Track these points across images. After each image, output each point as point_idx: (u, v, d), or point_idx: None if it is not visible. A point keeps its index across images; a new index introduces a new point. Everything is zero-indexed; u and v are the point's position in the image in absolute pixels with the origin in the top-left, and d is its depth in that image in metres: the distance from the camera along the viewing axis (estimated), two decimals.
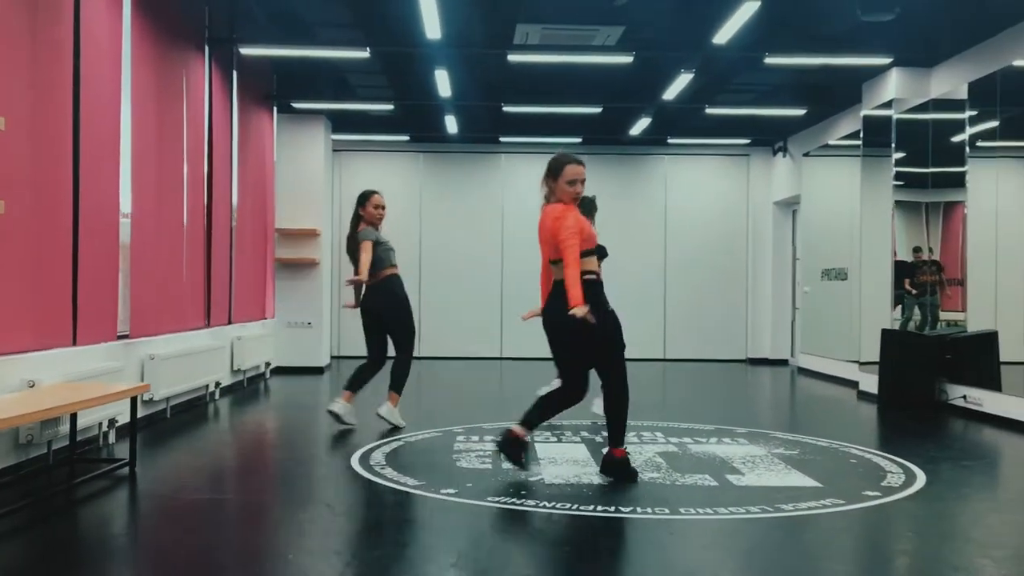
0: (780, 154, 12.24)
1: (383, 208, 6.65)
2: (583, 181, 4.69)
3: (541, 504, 4.12)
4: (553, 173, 4.72)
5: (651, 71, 9.05)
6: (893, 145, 8.37)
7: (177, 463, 5.38)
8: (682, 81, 8.77)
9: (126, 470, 4.76)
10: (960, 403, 7.46)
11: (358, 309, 6.49)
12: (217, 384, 7.74)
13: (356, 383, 6.39)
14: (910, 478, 4.79)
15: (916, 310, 8.53)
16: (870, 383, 8.39)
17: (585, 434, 6.08)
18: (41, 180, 4.88)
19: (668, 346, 12.69)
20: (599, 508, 4.06)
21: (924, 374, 7.77)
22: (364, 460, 5.10)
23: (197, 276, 7.57)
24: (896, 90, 8.24)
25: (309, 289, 10.55)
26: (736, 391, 9.54)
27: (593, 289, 4.54)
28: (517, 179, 12.59)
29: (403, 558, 3.39)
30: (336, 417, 6.25)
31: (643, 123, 10.97)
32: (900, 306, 8.51)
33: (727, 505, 4.15)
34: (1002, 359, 7.30)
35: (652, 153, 12.73)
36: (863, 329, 8.84)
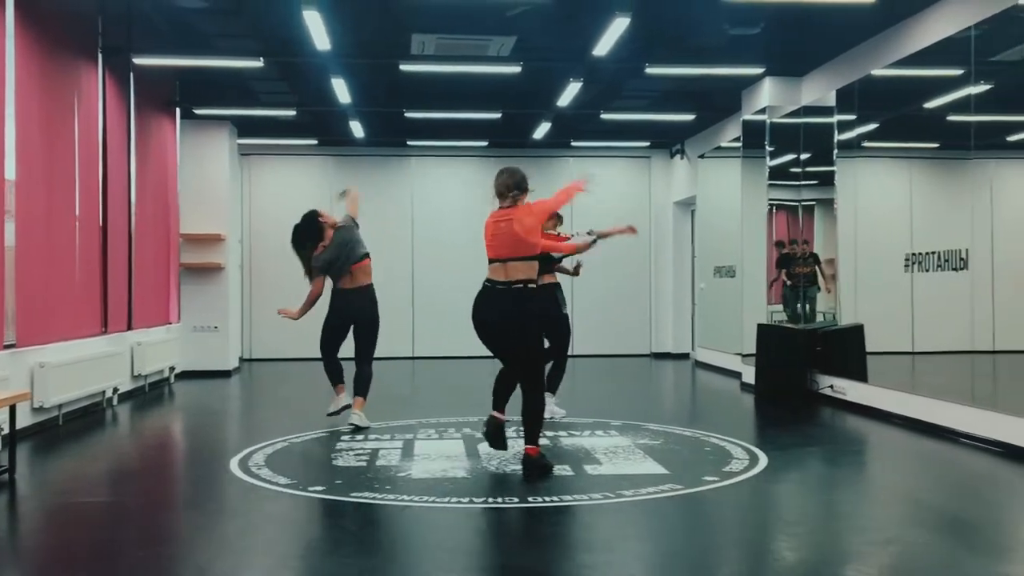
0: (678, 156, 12.72)
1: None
2: None
3: (400, 498, 4.40)
4: (523, 187, 5.22)
5: (543, 80, 9.40)
6: (767, 148, 8.86)
7: (59, 469, 5.52)
8: (572, 89, 9.13)
9: (5, 476, 4.89)
10: (828, 392, 7.97)
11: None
12: (115, 390, 7.84)
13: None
14: (752, 464, 5.20)
15: (792, 301, 9.05)
16: (751, 375, 8.87)
17: (467, 431, 6.36)
18: None
19: (576, 342, 13.04)
20: (453, 500, 4.36)
21: (797, 366, 8.27)
22: (244, 462, 5.31)
23: (92, 284, 7.66)
24: (769, 98, 8.73)
25: (215, 293, 10.65)
26: (629, 385, 9.94)
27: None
28: (426, 181, 12.84)
29: (253, 551, 3.64)
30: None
31: (544, 127, 11.32)
32: (783, 300, 9.03)
33: (575, 493, 4.48)
34: (886, 350, 7.80)
35: (557, 155, 13.11)
36: (745, 323, 9.32)
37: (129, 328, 8.53)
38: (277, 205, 12.57)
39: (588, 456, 5.44)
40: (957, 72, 6.39)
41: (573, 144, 12.76)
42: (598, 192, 13.15)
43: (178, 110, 10.37)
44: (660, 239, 13.20)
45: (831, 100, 8.21)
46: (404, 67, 8.31)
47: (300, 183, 12.73)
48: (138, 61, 8.07)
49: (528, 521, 4.13)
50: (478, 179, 12.82)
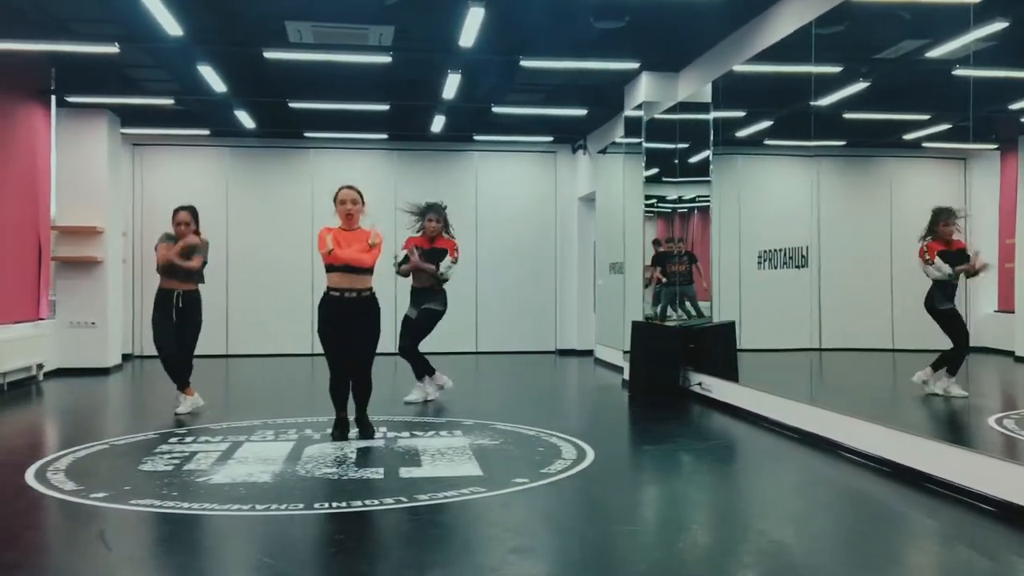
0: (580, 151, 12.61)
1: (181, 225, 7.11)
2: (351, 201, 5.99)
3: (179, 505, 4.17)
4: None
5: (425, 71, 9.21)
6: (643, 144, 8.76)
7: None
8: (454, 81, 8.94)
9: None
10: (697, 389, 7.90)
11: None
12: None
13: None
14: (575, 463, 5.07)
15: (678, 302, 8.97)
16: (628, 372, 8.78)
17: (309, 431, 6.15)
18: None
19: (480, 339, 12.92)
20: (233, 507, 4.15)
21: (669, 363, 8.18)
22: (45, 467, 5.04)
23: None
24: (646, 93, 8.63)
25: (93, 288, 10.29)
26: (512, 383, 9.77)
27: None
28: (325, 175, 12.55)
29: None
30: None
31: (440, 120, 11.12)
32: (656, 296, 8.95)
33: (368, 497, 4.30)
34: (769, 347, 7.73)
35: (461, 150, 12.92)
36: (627, 320, 9.23)
37: None
38: (170, 197, 12.14)
39: (413, 458, 5.27)
40: (813, 68, 6.33)
41: (476, 138, 12.57)
42: (504, 187, 13.04)
43: (53, 98, 9.98)
44: (565, 235, 13.09)
45: (706, 96, 8.13)
46: (269, 55, 8.03)
47: (195, 175, 12.40)
48: None
49: (296, 528, 3.93)
50: (379, 172, 12.61)
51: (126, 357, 11.46)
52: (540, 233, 13.12)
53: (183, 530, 3.88)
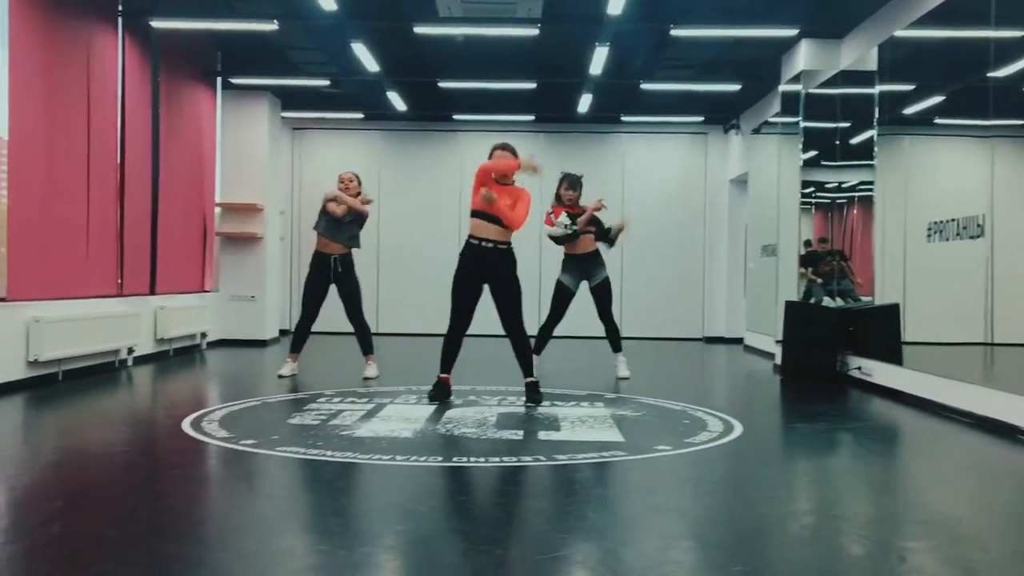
0: (733, 131, 12.18)
1: (345, 182, 7.41)
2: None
3: (323, 454, 4.23)
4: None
5: (572, 45, 9.11)
6: (801, 121, 8.32)
7: (29, 421, 5.56)
8: (601, 55, 8.78)
9: None
10: (856, 374, 7.43)
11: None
12: (130, 351, 7.95)
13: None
14: (722, 435, 4.83)
15: (826, 298, 8.51)
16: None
17: (451, 398, 6.15)
18: None
19: (625, 324, 12.65)
20: (374, 457, 4.16)
21: (826, 346, 7.75)
22: (200, 419, 5.23)
23: (107, 246, 7.77)
24: (805, 62, 8.18)
25: (253, 263, 10.75)
26: (661, 366, 9.51)
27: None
28: (474, 157, 12.62)
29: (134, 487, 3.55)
30: None
31: (587, 100, 10.98)
32: (807, 293, 8.51)
33: (506, 455, 4.23)
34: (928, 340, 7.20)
35: (608, 131, 12.74)
36: (779, 304, 8.81)
37: (152, 292, 8.66)
38: (326, 179, 12.56)
39: (551, 424, 5.16)
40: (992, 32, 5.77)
41: (623, 119, 12.35)
42: (653, 170, 12.76)
43: (219, 80, 10.48)
44: (715, 219, 12.69)
45: (871, 64, 7.61)
46: (419, 30, 8.12)
47: (349, 158, 12.72)
48: (157, 25, 8.14)
49: (431, 478, 3.90)
50: (526, 153, 12.55)
51: (283, 332, 11.92)
52: (688, 217, 12.76)
53: (326, 475, 3.92)
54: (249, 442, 4.47)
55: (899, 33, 6.90)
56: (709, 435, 4.86)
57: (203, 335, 9.84)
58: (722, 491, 3.83)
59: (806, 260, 8.55)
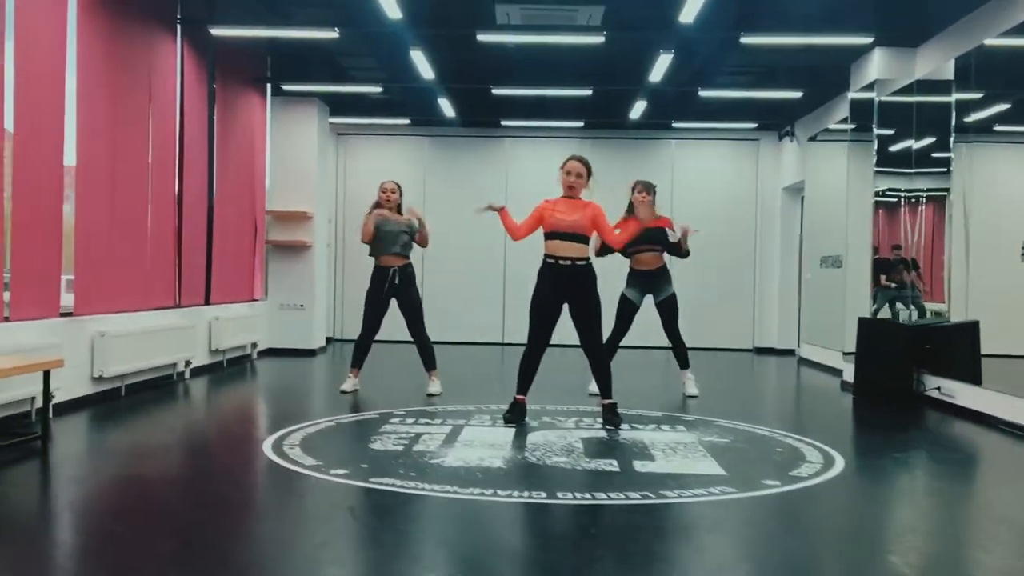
0: (787, 138, 11.93)
1: (387, 192, 7.31)
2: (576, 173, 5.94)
3: (420, 487, 4.06)
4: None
5: (633, 52, 8.92)
6: (875, 130, 8.08)
7: (99, 441, 5.43)
8: (663, 63, 8.58)
9: (38, 444, 4.83)
10: (935, 394, 7.20)
11: None
12: (187, 364, 7.83)
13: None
14: (825, 467, 4.63)
15: (896, 304, 8.27)
16: (851, 373, 8.13)
17: (527, 419, 5.98)
18: None
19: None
20: (475, 491, 3.99)
21: (901, 364, 7.51)
22: (280, 442, 5.09)
23: (166, 258, 7.65)
24: (879, 71, 7.94)
25: (302, 272, 10.63)
26: (717, 381, 9.27)
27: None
28: (521, 163, 12.50)
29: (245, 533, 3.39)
30: None
31: (640, 106, 10.78)
32: (873, 298, 8.28)
33: (612, 490, 4.05)
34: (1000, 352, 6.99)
35: (658, 138, 12.52)
36: (848, 318, 8.58)
37: (207, 302, 8.54)
38: (371, 186, 12.39)
39: (643, 451, 4.98)
40: None
41: (674, 126, 12.13)
42: (702, 176, 12.53)
43: (268, 87, 10.36)
44: (767, 227, 12.44)
45: (948, 73, 7.38)
46: (482, 38, 7.94)
47: (394, 163, 12.60)
48: (216, 32, 8.01)
49: (545, 518, 3.73)
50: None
51: (328, 340, 11.79)
52: (739, 224, 12.52)
53: (436, 513, 3.76)
54: (340, 472, 4.31)
55: (988, 41, 6.66)
56: (811, 467, 4.65)
57: (254, 345, 9.72)
58: (856, 534, 3.63)
59: (879, 267, 8.31)
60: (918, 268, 8.06)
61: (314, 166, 10.66)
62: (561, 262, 5.78)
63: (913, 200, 8.03)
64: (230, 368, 8.93)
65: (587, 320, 5.83)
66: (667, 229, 7.21)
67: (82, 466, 4.64)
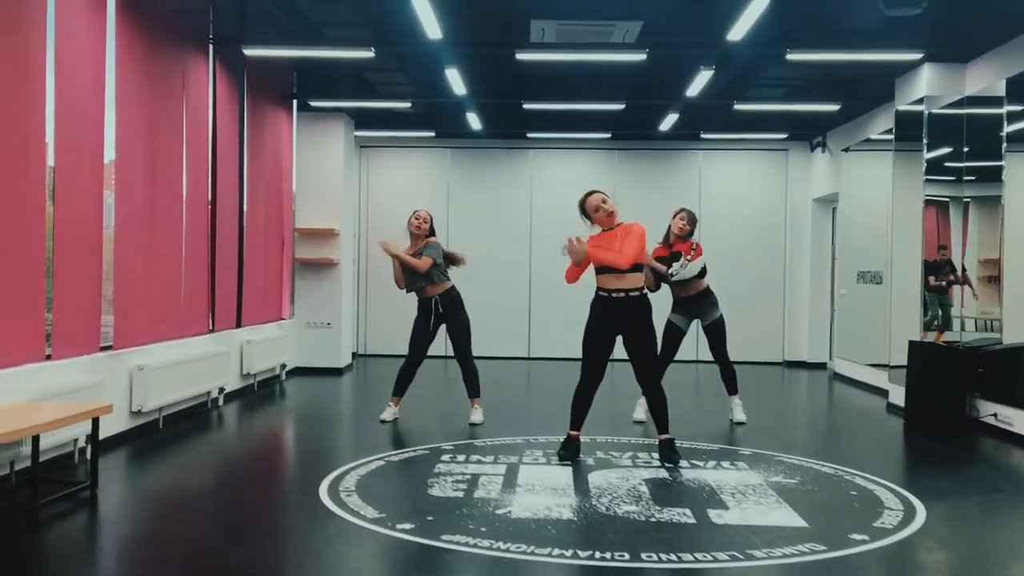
0: (819, 149, 11.73)
1: (417, 220, 7.08)
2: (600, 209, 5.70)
3: (495, 545, 3.88)
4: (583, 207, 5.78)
5: (671, 68, 8.75)
6: (925, 142, 7.90)
7: (148, 488, 5.23)
8: (703, 78, 8.40)
9: (87, 493, 4.66)
10: (991, 421, 7.01)
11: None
12: (221, 390, 7.67)
13: None
14: (908, 516, 4.45)
15: (932, 307, 8.11)
16: (899, 395, 7.96)
17: (581, 456, 5.79)
18: (10, 186, 4.79)
19: (702, 347, 12.26)
20: (554, 552, 3.82)
21: (954, 388, 7.33)
22: (335, 486, 4.91)
23: (200, 283, 7.49)
24: (928, 87, 7.75)
25: (328, 289, 10.45)
26: (759, 401, 9.07)
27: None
28: (546, 175, 12.32)
29: None
30: None
31: (671, 119, 10.59)
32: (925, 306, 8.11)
33: (695, 550, 3.86)
34: None
35: (685, 148, 12.33)
36: (893, 335, 8.40)
37: (238, 325, 8.38)
38: (393, 198, 12.32)
39: (712, 496, 4.80)
40: None
41: (703, 136, 11.94)
42: (730, 187, 12.33)
43: (295, 102, 10.18)
44: (796, 238, 12.24)
45: (999, 90, 7.21)
46: (521, 56, 7.75)
47: (417, 175, 12.45)
48: (249, 52, 7.83)
49: None
50: (600, 172, 12.22)
51: (353, 355, 11.62)
52: (768, 235, 12.32)
53: None
54: (407, 527, 4.14)
55: None
56: (893, 515, 4.47)
57: (283, 366, 9.55)
58: None
59: (927, 269, 8.11)
60: (955, 271, 7.89)
61: (340, 181, 10.48)
62: (614, 295, 5.60)
63: (963, 205, 7.85)
64: (261, 391, 8.76)
65: (641, 352, 5.65)
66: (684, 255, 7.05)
67: (136, 521, 4.46)
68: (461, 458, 5.68)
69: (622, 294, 5.58)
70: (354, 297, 11.97)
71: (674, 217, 7.15)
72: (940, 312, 8.09)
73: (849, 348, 10.59)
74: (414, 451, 5.93)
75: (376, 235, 12.36)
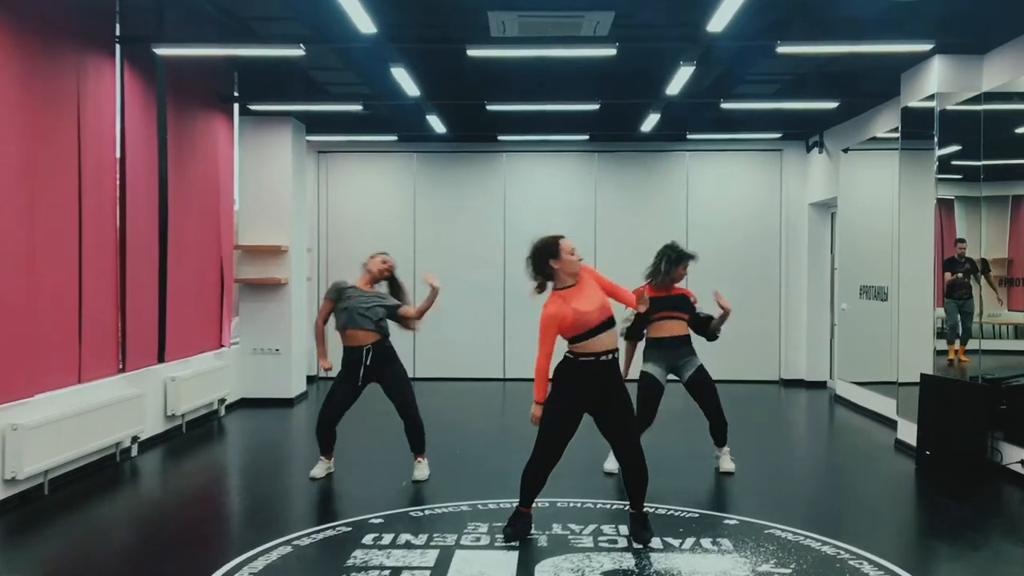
0: (816, 150, 10.74)
1: (384, 264, 6.25)
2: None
3: None
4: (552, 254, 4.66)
5: (648, 64, 7.81)
6: (936, 140, 6.91)
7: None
8: (684, 74, 7.42)
9: None
10: (1017, 469, 6.05)
11: None
12: (134, 439, 6.70)
13: None
14: None
15: (952, 314, 7.15)
16: (908, 431, 7.01)
17: (538, 535, 4.84)
18: None
19: None
20: None
21: (973, 429, 6.37)
22: None
23: (105, 316, 6.50)
24: (939, 82, 6.78)
25: (276, 312, 9.47)
26: (754, 435, 8.10)
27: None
28: (520, 179, 11.34)
29: None
30: None
31: (653, 119, 9.61)
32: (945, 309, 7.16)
33: None
34: None
35: (670, 149, 11.34)
36: (901, 356, 7.45)
37: (161, 360, 7.40)
38: (356, 206, 11.36)
39: None
40: None
41: (689, 137, 10.94)
42: (720, 191, 11.35)
43: (235, 106, 9.19)
44: (793, 246, 11.25)
45: (1021, 86, 6.26)
46: (472, 52, 6.77)
47: (381, 182, 11.48)
48: (160, 52, 6.85)
49: None
50: (577, 176, 11.26)
51: (310, 379, 10.65)
52: (762, 243, 11.33)
53: None
54: None
55: None
56: None
57: (221, 400, 8.57)
58: None
59: (945, 267, 7.16)
60: (988, 270, 6.93)
61: (288, 193, 9.48)
62: (604, 358, 4.61)
63: (977, 207, 6.90)
64: (191, 432, 7.78)
65: (623, 416, 4.70)
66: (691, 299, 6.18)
67: None
68: (387, 539, 4.71)
69: (611, 355, 4.63)
70: (310, 319, 10.97)
71: (677, 265, 6.30)
72: (960, 321, 7.13)
73: (852, 369, 9.61)
74: (333, 528, 4.95)
75: (338, 247, 11.39)
